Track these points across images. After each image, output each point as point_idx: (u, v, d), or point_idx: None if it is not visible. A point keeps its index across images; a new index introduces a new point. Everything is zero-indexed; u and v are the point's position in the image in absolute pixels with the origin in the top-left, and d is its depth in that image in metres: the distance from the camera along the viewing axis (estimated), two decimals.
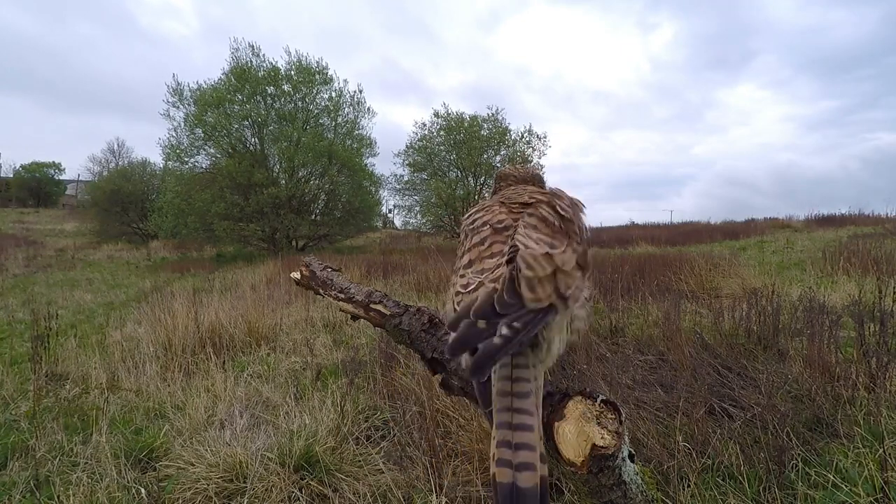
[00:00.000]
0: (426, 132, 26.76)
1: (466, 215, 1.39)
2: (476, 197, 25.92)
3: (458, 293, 1.17)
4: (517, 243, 1.17)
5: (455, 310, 1.14)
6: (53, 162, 47.96)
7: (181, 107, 21.51)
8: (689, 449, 2.51)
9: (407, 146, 26.99)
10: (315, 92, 22.63)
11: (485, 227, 1.26)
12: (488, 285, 1.09)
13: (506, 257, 1.16)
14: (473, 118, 26.06)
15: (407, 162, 26.96)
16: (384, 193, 27.61)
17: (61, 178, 49.00)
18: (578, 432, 1.20)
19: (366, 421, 3.41)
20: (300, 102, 22.36)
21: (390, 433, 3.25)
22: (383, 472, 2.70)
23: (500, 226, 1.26)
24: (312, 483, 2.65)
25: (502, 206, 1.34)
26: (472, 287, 1.13)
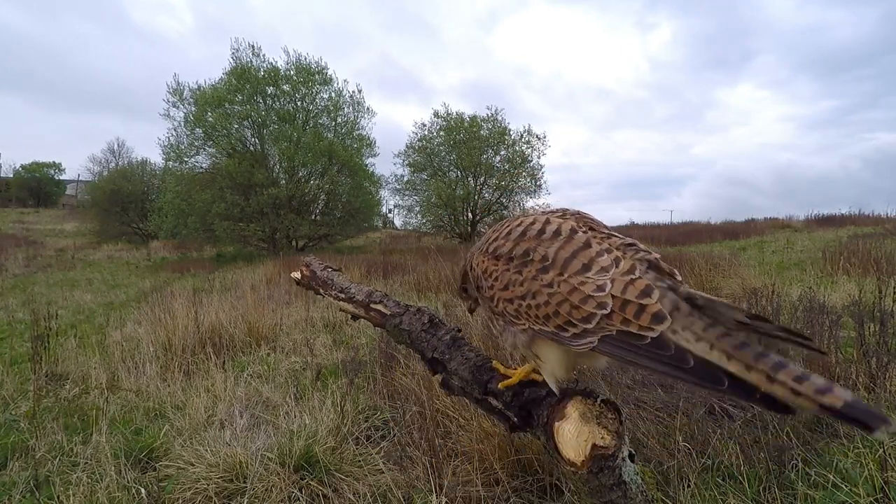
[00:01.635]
0: (426, 132, 26.80)
1: (515, 227, 1.32)
2: (476, 197, 25.91)
3: (588, 297, 1.13)
4: (652, 252, 1.23)
5: (593, 313, 1.12)
6: (53, 162, 48.03)
7: (181, 107, 21.53)
8: (689, 449, 2.51)
9: (407, 146, 27.04)
10: (315, 92, 22.64)
11: (577, 233, 1.24)
12: (669, 296, 1.12)
13: (645, 265, 1.20)
14: (473, 118, 26.07)
15: (407, 162, 26.98)
16: (384, 193, 27.63)
17: (61, 178, 49.02)
18: (578, 432, 1.20)
19: (366, 421, 3.41)
20: (300, 102, 22.37)
21: (390, 433, 3.25)
22: (383, 472, 2.70)
23: (584, 227, 1.28)
24: (312, 483, 2.65)
25: (543, 215, 1.36)
26: (611, 288, 1.13)
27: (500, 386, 1.46)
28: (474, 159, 25.13)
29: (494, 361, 1.58)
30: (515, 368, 1.52)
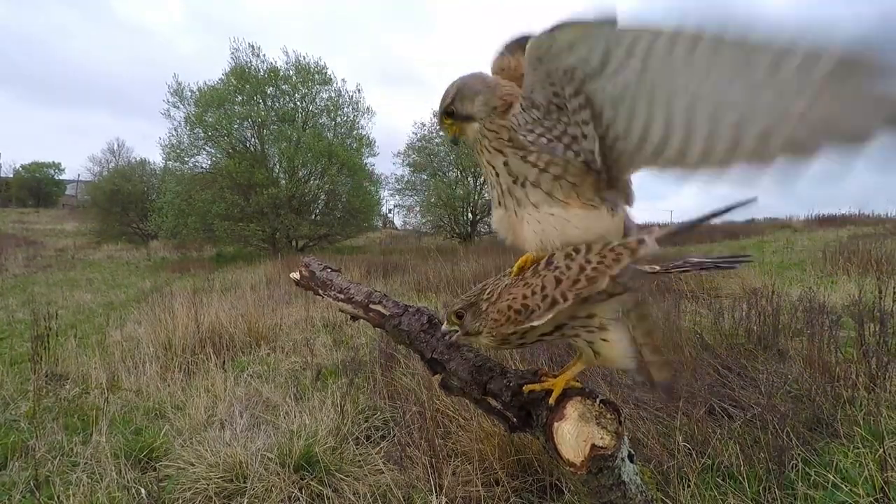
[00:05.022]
0: (426, 132, 26.78)
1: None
2: (476, 197, 25.91)
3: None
4: None
5: None
6: (53, 162, 48.03)
7: (181, 107, 21.55)
8: (689, 449, 2.51)
9: (407, 146, 27.01)
10: (314, 92, 22.65)
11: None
12: None
13: None
14: None
15: (407, 162, 26.97)
16: (384, 193, 27.62)
17: (61, 178, 49.03)
18: (578, 433, 1.20)
19: (366, 421, 3.41)
20: (300, 102, 22.39)
21: (390, 433, 3.25)
22: (383, 472, 2.70)
23: None
24: (312, 483, 2.65)
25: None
26: None
27: (550, 401, 1.31)
28: (474, 159, 25.08)
29: (527, 385, 1.41)
30: (546, 380, 1.41)
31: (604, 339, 1.26)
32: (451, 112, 1.39)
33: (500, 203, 1.36)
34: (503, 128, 1.31)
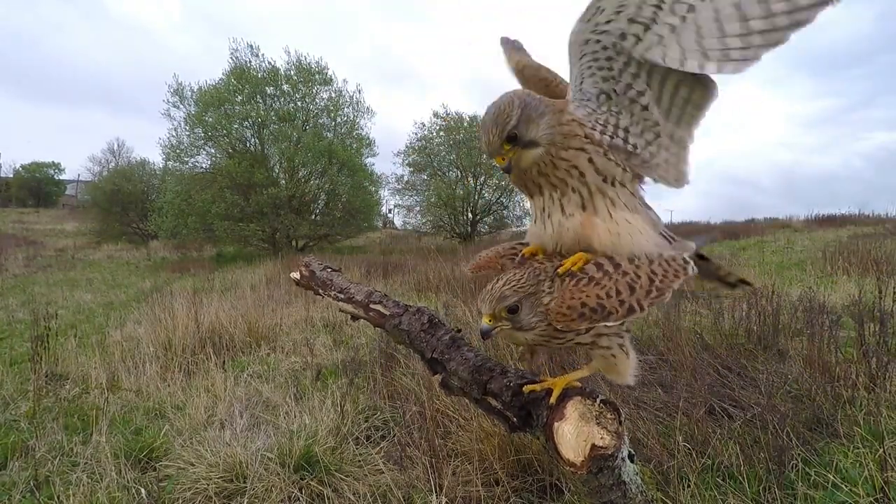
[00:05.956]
0: (426, 132, 26.79)
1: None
2: (476, 197, 25.89)
3: None
4: None
5: None
6: (53, 162, 48.02)
7: (181, 107, 21.55)
8: (689, 449, 2.51)
9: (407, 146, 27.03)
10: (315, 92, 22.64)
11: None
12: None
13: None
14: (473, 118, 26.06)
15: (406, 162, 26.98)
16: (384, 193, 27.63)
17: (61, 178, 49.02)
18: (578, 432, 1.20)
19: (366, 421, 3.40)
20: (300, 102, 22.37)
21: (390, 433, 3.25)
22: (383, 472, 2.70)
23: None
24: (312, 483, 2.65)
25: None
26: None
27: (551, 400, 1.31)
28: (474, 159, 25.11)
29: (527, 385, 1.41)
30: (544, 380, 1.42)
31: (625, 350, 1.29)
32: (514, 136, 1.20)
33: (584, 206, 1.24)
34: (574, 122, 1.20)
